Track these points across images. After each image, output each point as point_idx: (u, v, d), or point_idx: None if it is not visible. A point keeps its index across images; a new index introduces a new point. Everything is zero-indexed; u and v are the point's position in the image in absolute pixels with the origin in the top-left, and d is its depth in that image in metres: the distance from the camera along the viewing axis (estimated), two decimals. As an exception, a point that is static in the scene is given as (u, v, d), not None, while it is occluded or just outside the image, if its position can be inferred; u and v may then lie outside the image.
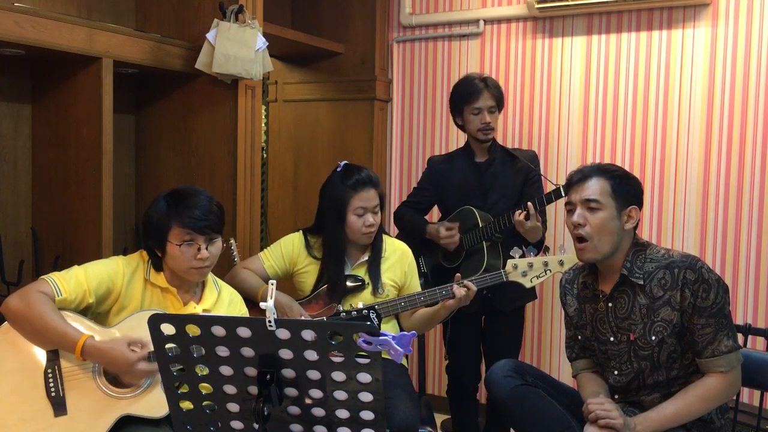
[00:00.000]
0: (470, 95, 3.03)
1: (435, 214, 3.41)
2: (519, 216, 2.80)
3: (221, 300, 2.27)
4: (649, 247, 2.18)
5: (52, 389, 1.99)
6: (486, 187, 3.08)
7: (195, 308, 2.19)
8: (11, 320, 2.03)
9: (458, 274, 2.54)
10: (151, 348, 2.02)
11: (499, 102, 3.07)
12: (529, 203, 2.81)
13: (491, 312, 3.10)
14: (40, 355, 2.03)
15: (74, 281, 2.06)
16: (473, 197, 3.07)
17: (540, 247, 2.75)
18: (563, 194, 2.70)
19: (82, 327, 2.04)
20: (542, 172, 3.24)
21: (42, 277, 2.07)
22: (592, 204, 2.13)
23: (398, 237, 3.34)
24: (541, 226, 2.89)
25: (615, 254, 2.16)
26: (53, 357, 2.02)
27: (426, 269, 3.20)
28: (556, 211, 3.54)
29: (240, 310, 2.33)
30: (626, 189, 2.15)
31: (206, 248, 2.12)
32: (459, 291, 2.47)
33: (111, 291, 2.12)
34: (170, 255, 2.12)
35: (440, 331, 3.94)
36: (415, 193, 3.29)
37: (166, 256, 2.14)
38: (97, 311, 2.14)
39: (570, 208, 2.20)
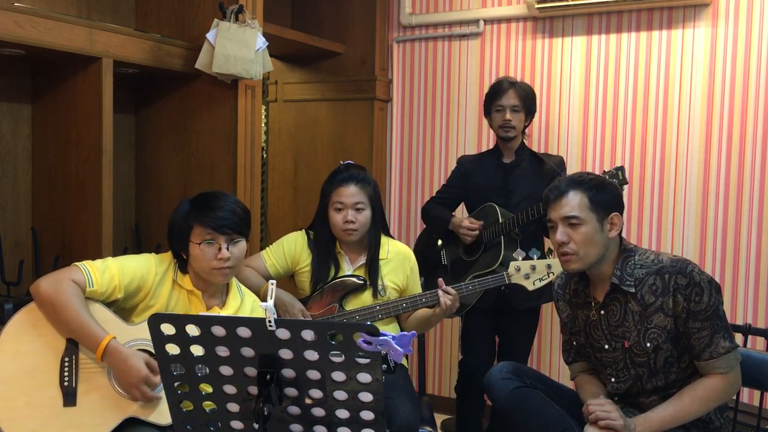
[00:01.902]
0: (495, 93, 3.10)
1: (462, 211, 3.41)
2: None
3: (244, 307, 2.27)
4: (637, 253, 2.15)
5: (66, 378, 1.99)
6: (510, 188, 3.12)
7: (218, 313, 2.18)
8: (39, 303, 2.02)
9: (440, 279, 2.53)
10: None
11: (525, 103, 3.09)
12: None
13: (506, 309, 3.11)
14: (61, 341, 2.02)
15: (108, 275, 2.06)
16: (498, 196, 3.11)
17: None
18: None
19: (106, 320, 2.03)
20: None
21: (76, 264, 2.06)
22: (572, 221, 2.09)
23: (424, 231, 3.40)
24: None
25: (602, 262, 2.14)
26: (73, 346, 2.02)
27: (446, 262, 3.24)
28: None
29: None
30: (604, 198, 2.11)
31: (227, 248, 2.12)
32: (444, 298, 2.46)
33: (141, 289, 2.12)
34: (193, 255, 2.13)
35: (441, 330, 3.94)
36: (443, 189, 3.34)
37: (189, 257, 2.15)
38: (122, 306, 2.14)
39: (551, 225, 2.16)
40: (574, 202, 2.10)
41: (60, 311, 1.99)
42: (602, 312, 2.18)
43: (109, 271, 2.07)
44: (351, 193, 2.55)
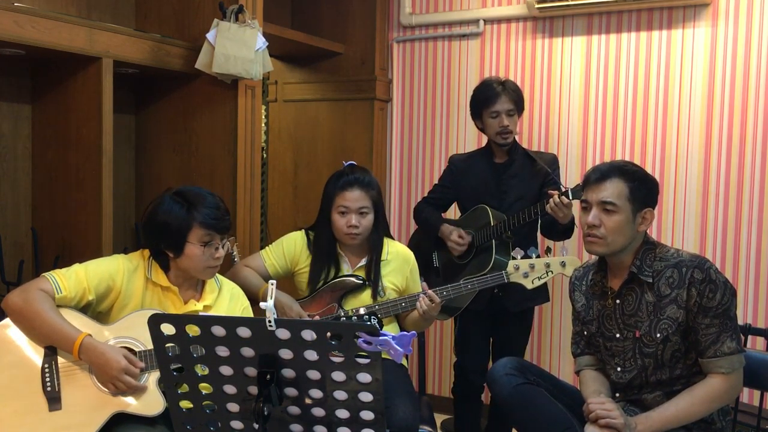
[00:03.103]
0: (488, 99, 3.04)
1: (455, 210, 3.41)
2: (557, 197, 2.76)
3: (222, 296, 2.29)
4: (659, 247, 2.18)
5: (48, 384, 2.01)
6: (503, 188, 3.10)
7: (196, 305, 2.20)
8: (11, 316, 2.05)
9: (424, 283, 2.53)
10: (143, 365, 2.04)
11: (518, 105, 3.07)
12: (554, 192, 2.79)
13: (500, 311, 3.10)
14: (39, 350, 2.05)
15: (74, 279, 2.08)
16: (491, 197, 3.09)
17: (571, 228, 2.84)
18: (570, 198, 2.70)
19: (81, 324, 2.05)
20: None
21: (43, 274, 2.09)
22: (608, 206, 2.11)
23: (416, 232, 3.40)
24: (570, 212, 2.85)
25: (625, 252, 2.16)
26: (51, 352, 2.04)
27: (438, 264, 3.23)
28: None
29: (242, 304, 2.33)
30: (644, 192, 2.13)
31: (222, 247, 2.17)
32: (422, 302, 2.45)
33: (111, 289, 2.13)
34: (188, 255, 2.14)
35: (441, 330, 3.94)
36: (435, 189, 3.31)
37: (181, 256, 2.15)
38: (97, 309, 2.15)
39: (585, 206, 2.18)
40: (613, 189, 2.12)
41: (32, 319, 2.01)
42: (617, 301, 2.19)
43: (76, 276, 2.09)
44: (355, 197, 2.54)
